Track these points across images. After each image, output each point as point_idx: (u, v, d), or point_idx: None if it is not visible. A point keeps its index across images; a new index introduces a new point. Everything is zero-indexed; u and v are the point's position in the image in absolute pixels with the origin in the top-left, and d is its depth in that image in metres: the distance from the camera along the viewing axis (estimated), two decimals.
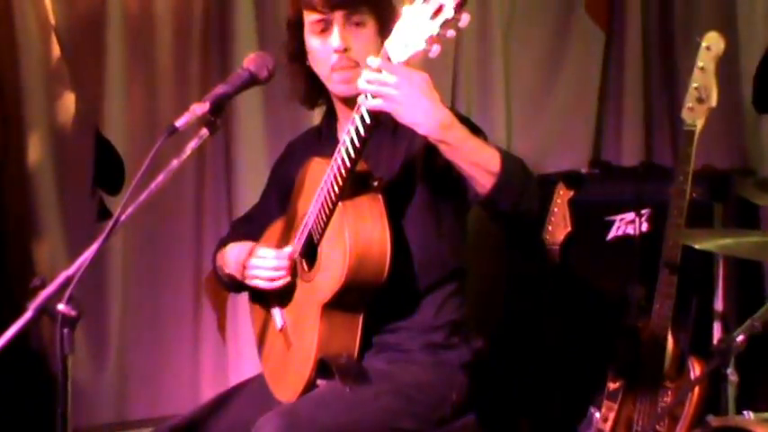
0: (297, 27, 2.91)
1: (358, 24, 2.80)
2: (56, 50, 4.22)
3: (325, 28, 2.82)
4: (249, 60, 2.64)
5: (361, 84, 2.51)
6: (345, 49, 2.80)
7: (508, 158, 2.60)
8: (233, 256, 3.02)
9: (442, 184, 2.81)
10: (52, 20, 4.19)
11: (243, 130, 4.28)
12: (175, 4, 4.28)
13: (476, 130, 2.68)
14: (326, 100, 3.03)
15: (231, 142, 4.29)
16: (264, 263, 2.91)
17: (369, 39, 2.80)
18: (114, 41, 4.18)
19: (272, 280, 2.91)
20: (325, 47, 2.83)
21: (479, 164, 2.55)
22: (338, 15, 2.79)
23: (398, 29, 2.41)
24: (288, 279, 2.91)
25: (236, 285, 3.08)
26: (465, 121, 2.68)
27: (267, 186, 3.27)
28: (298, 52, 2.93)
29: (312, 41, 2.87)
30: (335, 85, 2.87)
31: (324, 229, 2.77)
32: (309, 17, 2.85)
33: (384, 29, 2.73)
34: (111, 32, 4.18)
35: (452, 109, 2.70)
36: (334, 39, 2.80)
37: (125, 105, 4.24)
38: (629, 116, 4.50)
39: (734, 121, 4.31)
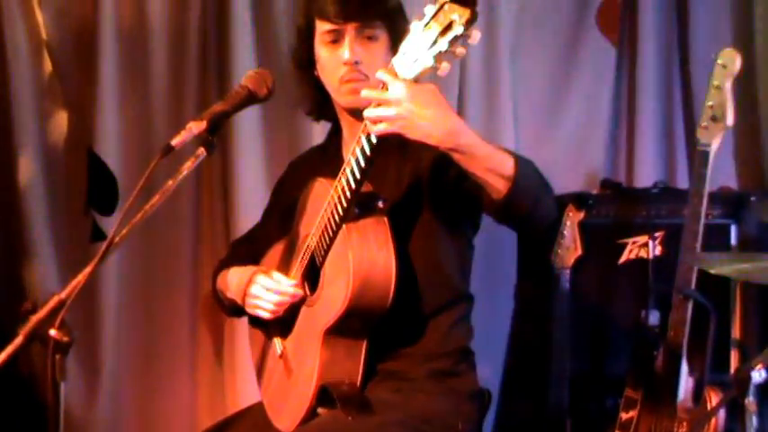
0: (307, 35, 2.90)
1: (370, 38, 2.80)
2: (48, 66, 4.22)
3: (337, 39, 2.81)
4: (248, 78, 2.64)
5: (366, 113, 2.48)
6: (356, 62, 2.78)
7: (522, 161, 2.57)
8: (235, 280, 3.01)
9: (450, 206, 2.79)
10: (44, 35, 4.20)
11: (241, 149, 4.23)
12: (171, 19, 4.26)
13: None
14: (332, 116, 3.01)
15: (229, 161, 4.25)
16: (267, 295, 2.87)
17: (380, 53, 2.79)
18: (108, 57, 4.17)
19: (275, 312, 2.88)
20: (335, 58, 2.82)
21: (494, 169, 2.52)
22: (351, 27, 2.78)
23: (407, 45, 2.39)
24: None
25: (237, 310, 3.06)
26: None
27: (268, 206, 3.26)
28: (306, 60, 2.92)
29: (322, 51, 2.86)
30: (343, 96, 2.85)
31: (327, 252, 2.74)
32: (321, 26, 2.84)
33: (396, 44, 2.67)
34: (104, 48, 4.17)
35: None
36: (345, 51, 2.79)
37: (119, 123, 4.22)
38: (642, 135, 4.41)
39: (750, 140, 4.27)
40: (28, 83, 4.15)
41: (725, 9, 4.38)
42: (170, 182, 2.36)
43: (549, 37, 4.47)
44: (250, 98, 2.60)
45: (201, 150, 2.43)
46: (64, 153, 4.24)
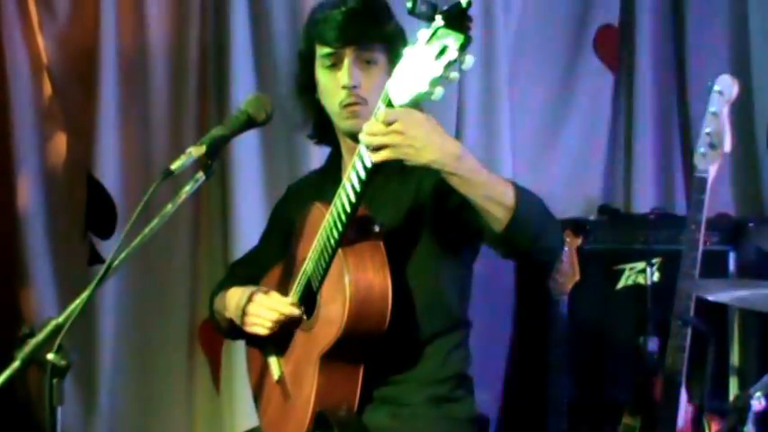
0: (308, 59, 2.89)
1: (369, 62, 2.78)
2: (48, 90, 4.24)
3: (336, 63, 2.79)
4: (247, 102, 2.62)
5: (364, 139, 2.46)
6: (354, 87, 2.77)
7: (524, 192, 2.55)
8: (234, 300, 2.98)
9: (449, 231, 2.77)
10: (45, 59, 4.21)
11: (239, 173, 4.23)
12: (171, 43, 4.27)
13: None
14: (333, 140, 2.99)
15: (227, 185, 4.24)
16: (265, 312, 2.84)
17: (378, 77, 2.76)
18: (108, 81, 4.18)
19: (271, 329, 2.85)
20: (334, 82, 2.80)
21: (494, 197, 2.50)
22: (349, 51, 2.77)
23: (401, 70, 2.37)
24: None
25: (234, 330, 3.02)
26: None
27: (267, 229, 3.24)
28: (307, 85, 2.91)
29: (321, 75, 2.85)
30: (343, 120, 2.83)
31: (323, 277, 2.72)
32: (321, 50, 2.82)
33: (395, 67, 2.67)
34: (104, 72, 4.18)
35: None
36: (344, 75, 2.77)
37: (118, 147, 4.23)
38: (640, 161, 4.43)
39: (748, 167, 4.28)
40: (28, 106, 4.15)
41: (722, 36, 4.40)
42: (169, 206, 2.35)
43: (548, 63, 4.49)
44: (249, 123, 2.58)
45: (200, 174, 2.42)
46: (63, 176, 4.24)
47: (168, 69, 4.27)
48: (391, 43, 2.77)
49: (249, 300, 2.88)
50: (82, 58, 4.19)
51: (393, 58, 2.74)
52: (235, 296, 2.98)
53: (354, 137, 2.77)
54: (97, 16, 4.16)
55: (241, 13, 4.20)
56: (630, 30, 4.46)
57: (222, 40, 4.24)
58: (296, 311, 2.82)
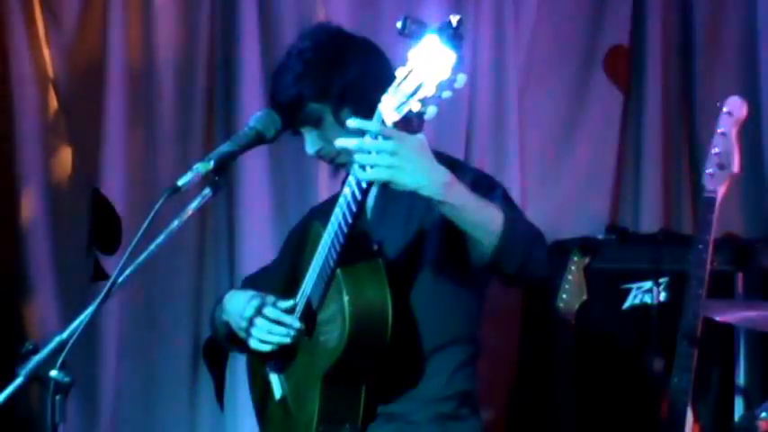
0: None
1: (317, 122, 2.75)
2: (54, 103, 4.23)
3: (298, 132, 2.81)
4: (256, 118, 2.60)
5: (356, 156, 2.43)
6: (318, 151, 2.78)
7: (512, 219, 2.53)
8: (239, 303, 2.90)
9: (451, 244, 2.72)
10: (51, 71, 4.21)
11: (247, 189, 4.23)
12: (178, 57, 4.27)
13: (491, 186, 2.67)
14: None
15: (234, 201, 4.24)
16: (274, 328, 2.79)
17: (335, 127, 2.73)
18: (114, 95, 4.17)
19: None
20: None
21: (481, 224, 2.50)
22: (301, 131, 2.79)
23: (392, 90, 2.36)
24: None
25: (229, 337, 2.97)
26: (481, 176, 2.69)
27: (282, 248, 3.21)
28: None
29: None
30: (336, 171, 2.86)
31: (323, 297, 2.70)
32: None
33: (339, 102, 2.71)
34: (111, 85, 4.17)
35: (467, 166, 2.72)
36: (306, 147, 2.80)
37: (124, 161, 4.22)
38: (648, 180, 4.43)
39: (756, 187, 4.28)
40: (34, 119, 4.14)
41: (731, 56, 4.40)
42: (175, 222, 2.32)
43: (557, 81, 4.49)
44: (257, 139, 2.56)
45: (207, 191, 2.40)
46: (68, 191, 4.24)
47: (175, 84, 4.26)
48: (325, 98, 2.73)
49: (257, 311, 2.84)
50: (88, 72, 4.20)
51: (328, 99, 2.72)
52: (241, 299, 2.90)
53: None
54: (104, 29, 4.16)
55: (250, 28, 4.21)
56: (640, 49, 4.47)
57: (230, 54, 4.25)
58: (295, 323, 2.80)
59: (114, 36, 4.16)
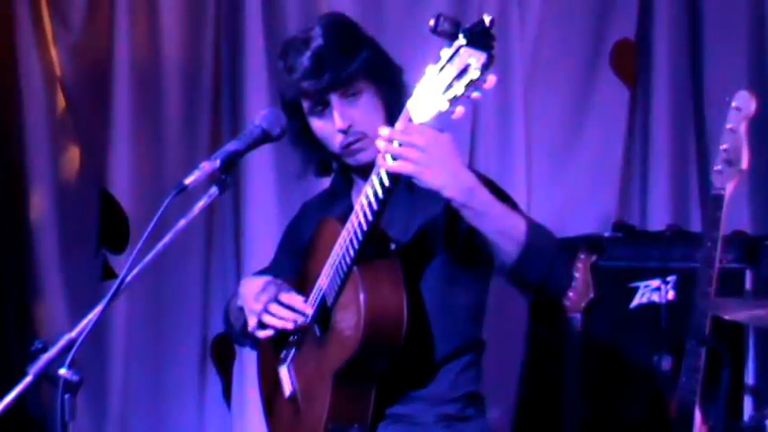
0: (296, 109, 2.82)
1: (355, 95, 2.72)
2: (61, 103, 4.27)
3: (324, 108, 2.74)
4: (262, 117, 2.59)
5: (382, 144, 2.42)
6: (349, 126, 2.72)
7: (536, 228, 2.53)
8: (253, 286, 2.90)
9: (463, 249, 2.73)
10: (58, 71, 4.24)
11: (253, 188, 4.25)
12: (185, 56, 4.30)
13: (503, 197, 2.61)
14: (339, 163, 2.95)
15: (241, 200, 4.26)
16: (285, 313, 2.79)
17: (369, 105, 2.72)
18: (121, 95, 4.21)
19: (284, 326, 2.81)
20: (328, 127, 2.75)
21: (504, 231, 2.49)
22: (333, 96, 2.71)
23: (422, 88, 2.35)
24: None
25: (243, 329, 2.94)
26: (492, 186, 2.62)
27: (280, 246, 3.20)
28: (301, 132, 2.85)
29: (314, 123, 2.79)
30: (349, 158, 2.80)
31: (338, 294, 2.70)
32: (306, 102, 2.78)
33: (384, 87, 2.70)
34: (118, 85, 4.21)
35: (477, 172, 2.64)
36: (336, 120, 2.72)
37: (131, 161, 4.25)
38: (656, 177, 4.41)
39: (766, 184, 4.27)
40: (41, 119, 4.18)
41: (740, 51, 4.38)
42: (182, 221, 2.32)
43: (563, 77, 4.48)
44: (264, 137, 2.55)
45: (214, 189, 2.39)
46: (76, 190, 4.27)
47: (182, 83, 4.29)
48: (371, 67, 2.73)
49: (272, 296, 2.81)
50: (95, 71, 4.23)
51: (378, 79, 2.72)
52: (254, 286, 2.89)
53: (364, 168, 2.75)
54: (111, 29, 4.20)
55: (256, 27, 4.22)
56: (647, 44, 4.45)
57: (236, 53, 4.26)
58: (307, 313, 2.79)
59: (121, 36, 4.19)
